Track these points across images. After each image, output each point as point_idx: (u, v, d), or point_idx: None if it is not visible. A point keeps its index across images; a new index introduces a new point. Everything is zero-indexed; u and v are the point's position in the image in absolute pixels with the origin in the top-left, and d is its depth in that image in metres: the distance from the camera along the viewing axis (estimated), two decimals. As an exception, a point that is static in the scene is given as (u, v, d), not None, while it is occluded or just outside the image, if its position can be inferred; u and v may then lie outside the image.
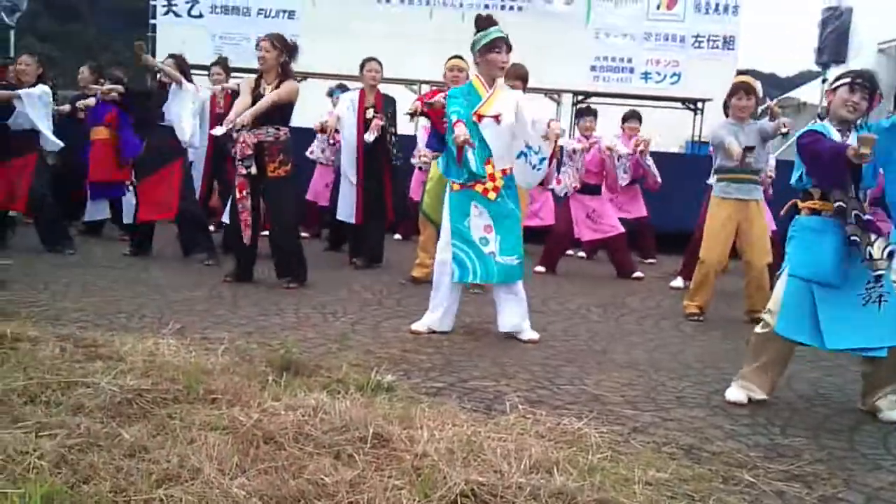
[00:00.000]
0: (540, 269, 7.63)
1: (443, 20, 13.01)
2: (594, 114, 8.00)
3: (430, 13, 13.45)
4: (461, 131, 4.58)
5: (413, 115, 6.31)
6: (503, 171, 4.78)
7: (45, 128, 6.98)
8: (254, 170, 5.91)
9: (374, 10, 13.42)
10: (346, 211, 7.26)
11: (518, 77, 5.89)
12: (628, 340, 5.03)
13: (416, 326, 4.85)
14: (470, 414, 3.21)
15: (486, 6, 12.94)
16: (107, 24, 45.28)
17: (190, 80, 7.02)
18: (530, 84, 6.28)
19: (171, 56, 7.20)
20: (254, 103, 5.92)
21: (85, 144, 8.07)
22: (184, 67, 7.03)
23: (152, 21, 13.82)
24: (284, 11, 13.54)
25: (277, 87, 5.96)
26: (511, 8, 13.13)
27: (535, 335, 4.83)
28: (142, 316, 4.80)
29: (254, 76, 6.19)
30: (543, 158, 4.85)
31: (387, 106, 7.15)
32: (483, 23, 4.74)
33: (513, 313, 4.85)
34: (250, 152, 5.89)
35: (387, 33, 12.48)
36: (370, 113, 7.01)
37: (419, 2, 13.53)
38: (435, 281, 4.94)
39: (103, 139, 8.01)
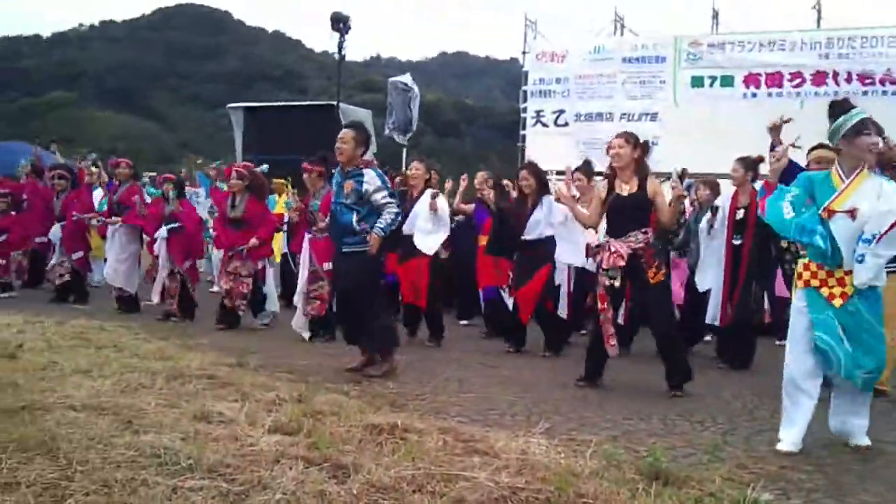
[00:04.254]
0: None
1: (815, 110, 12.35)
2: None
3: (800, 103, 12.84)
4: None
5: None
6: None
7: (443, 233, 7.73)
8: (618, 282, 5.72)
9: (738, 105, 13.18)
10: (713, 313, 7.04)
11: (891, 164, 5.17)
12: None
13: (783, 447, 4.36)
14: (864, 546, 2.87)
15: (865, 93, 12.08)
16: (482, 137, 49.49)
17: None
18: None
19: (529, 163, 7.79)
20: (612, 204, 5.85)
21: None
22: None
23: (522, 132, 14.82)
24: (647, 114, 13.79)
25: (639, 185, 5.78)
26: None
27: (866, 441, 4.40)
28: (513, 414, 5.01)
29: (604, 180, 6.09)
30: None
31: None
32: (840, 108, 4.32)
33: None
34: (623, 263, 5.67)
35: (755, 128, 12.10)
36: (740, 214, 6.81)
37: (788, 94, 13.00)
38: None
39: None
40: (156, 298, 9.14)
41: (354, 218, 5.94)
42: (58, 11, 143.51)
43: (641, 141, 5.93)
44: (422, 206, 7.60)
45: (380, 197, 5.93)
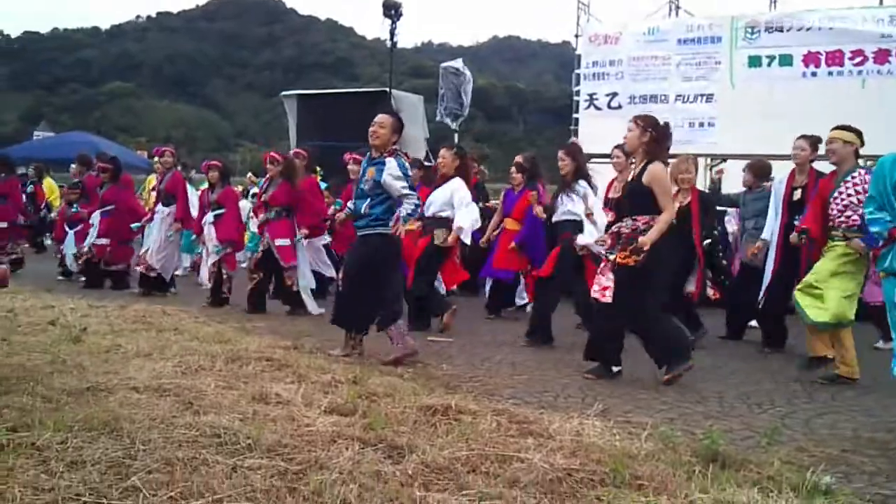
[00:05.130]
0: None
1: (877, 89, 12.02)
2: None
3: (862, 82, 12.48)
4: None
5: None
6: None
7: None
8: (612, 256, 5.56)
9: (797, 85, 12.81)
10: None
11: None
12: None
13: None
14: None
15: (934, 70, 11.68)
16: (533, 121, 49.17)
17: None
18: None
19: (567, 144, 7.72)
20: (626, 187, 5.71)
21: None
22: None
23: (575, 115, 14.67)
24: (702, 96, 13.48)
25: (643, 169, 5.49)
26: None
27: None
28: (567, 396, 5.01)
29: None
30: None
31: None
32: None
33: None
34: (611, 242, 5.61)
35: (814, 108, 11.81)
36: (797, 194, 6.62)
37: (849, 73, 12.64)
38: None
39: (512, 230, 8.43)
40: (207, 283, 9.35)
41: (366, 204, 5.93)
42: (116, 4, 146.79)
43: (661, 124, 5.60)
44: (441, 192, 7.69)
45: (399, 186, 5.85)
